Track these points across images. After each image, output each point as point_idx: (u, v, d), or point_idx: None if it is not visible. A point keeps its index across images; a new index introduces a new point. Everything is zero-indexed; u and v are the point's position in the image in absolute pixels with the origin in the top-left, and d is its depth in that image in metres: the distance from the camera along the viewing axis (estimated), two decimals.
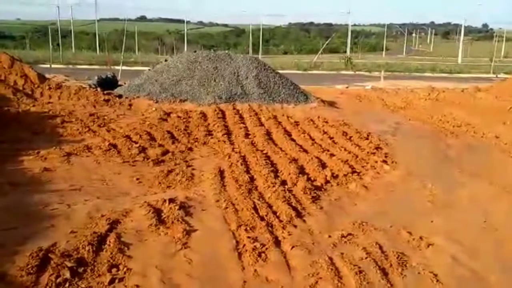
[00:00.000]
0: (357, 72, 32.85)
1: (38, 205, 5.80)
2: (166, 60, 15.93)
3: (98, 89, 13.53)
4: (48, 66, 28.18)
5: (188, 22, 61.91)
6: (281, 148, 8.97)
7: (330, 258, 4.72)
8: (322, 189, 6.86)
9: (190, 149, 8.98)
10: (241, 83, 13.40)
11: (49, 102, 12.24)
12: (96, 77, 15.22)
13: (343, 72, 33.18)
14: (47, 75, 15.00)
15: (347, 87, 21.79)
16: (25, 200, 5.92)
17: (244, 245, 4.89)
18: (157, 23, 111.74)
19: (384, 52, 65.47)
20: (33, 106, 11.79)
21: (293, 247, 4.90)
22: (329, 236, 5.27)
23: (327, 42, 46.86)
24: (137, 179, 7.14)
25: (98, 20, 57.48)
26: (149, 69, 15.83)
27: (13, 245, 4.67)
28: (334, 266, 4.58)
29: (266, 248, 4.83)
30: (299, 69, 32.84)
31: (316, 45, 71.91)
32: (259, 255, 4.69)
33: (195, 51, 16.67)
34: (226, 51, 15.47)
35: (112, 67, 25.01)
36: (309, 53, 66.47)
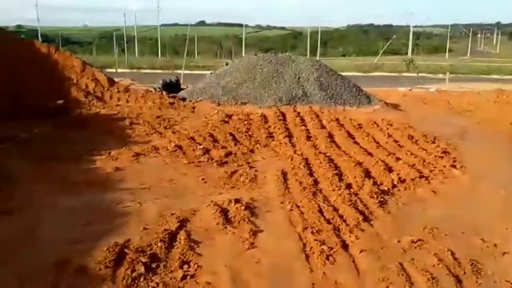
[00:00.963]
0: (420, 74, 31.82)
1: (112, 203, 6.08)
2: (227, 64, 16.19)
3: (164, 92, 13.98)
4: (114, 70, 29.40)
5: (246, 26, 62.48)
6: (344, 151, 8.87)
7: (401, 264, 4.61)
8: (389, 194, 6.72)
9: (252, 151, 9.07)
10: (302, 85, 13.39)
11: (117, 105, 12.80)
12: (161, 81, 15.73)
13: (405, 74, 32.25)
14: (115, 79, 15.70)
15: (410, 90, 21.19)
16: (100, 198, 6.22)
17: (312, 247, 4.88)
18: (216, 28, 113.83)
19: (447, 54, 63.04)
20: (103, 108, 12.38)
21: (361, 251, 4.83)
22: (398, 241, 5.14)
23: (387, 44, 45.85)
24: (202, 179, 7.30)
25: (159, 26, 59.34)
26: (210, 73, 16.16)
27: (91, 240, 4.91)
28: (405, 271, 4.47)
29: (334, 251, 4.80)
30: (359, 71, 32.27)
31: (375, 47, 70.38)
32: (327, 257, 4.66)
33: (255, 54, 16.85)
34: (287, 54, 15.50)
35: (174, 71, 25.73)
36: (368, 55, 65.14)
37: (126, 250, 4.63)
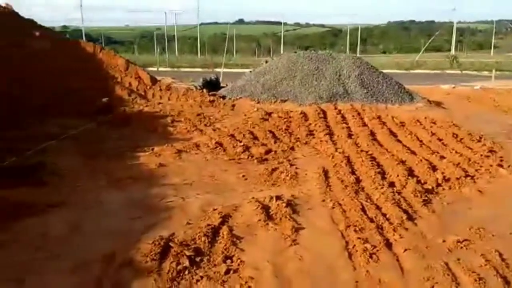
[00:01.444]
0: (464, 72, 30.93)
1: (156, 197, 6.22)
2: (266, 62, 16.21)
3: (204, 90, 14.17)
4: (155, 69, 30.01)
5: (284, 23, 62.35)
6: (387, 149, 8.73)
7: (446, 263, 4.51)
8: (434, 193, 6.57)
9: (292, 148, 9.07)
10: (343, 82, 13.25)
11: (159, 103, 13.06)
12: (201, 79, 15.94)
13: (449, 71, 31.46)
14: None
15: (454, 87, 20.61)
16: (144, 193, 6.38)
17: (355, 245, 4.84)
18: (254, 26, 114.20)
19: (492, 50, 60.90)
20: (146, 106, 12.66)
21: (405, 250, 4.75)
22: (444, 241, 5.03)
23: (430, 41, 44.80)
24: (243, 176, 7.35)
25: (199, 25, 60.10)
26: (250, 71, 16.24)
27: (137, 233, 5.05)
28: (450, 271, 4.37)
29: (377, 250, 4.74)
30: (400, 68, 31.66)
31: (416, 43, 68.84)
32: (371, 256, 4.61)
33: (295, 52, 16.79)
34: (328, 51, 15.38)
35: (214, 69, 26.02)
36: (409, 52, 63.85)
37: (171, 244, 4.73)
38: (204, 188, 6.74)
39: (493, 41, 65.54)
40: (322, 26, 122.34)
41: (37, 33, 12.79)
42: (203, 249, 4.73)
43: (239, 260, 4.53)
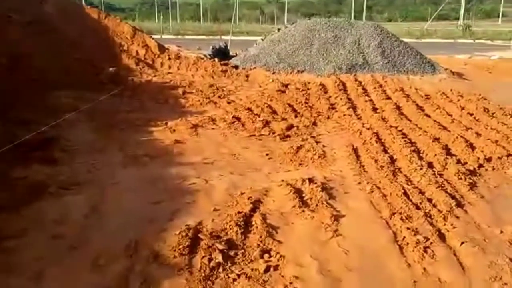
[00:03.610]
0: (476, 41, 29.97)
1: (177, 178, 5.70)
2: (279, 29, 15.43)
3: (216, 59, 13.46)
4: (159, 36, 29.04)
5: None
6: (416, 125, 8.17)
7: (511, 260, 4.02)
8: (477, 174, 6.04)
9: (315, 123, 8.51)
10: (362, 52, 12.53)
11: (169, 72, 12.41)
12: (210, 47, 15.21)
13: (461, 40, 30.48)
14: None
15: (470, 57, 19.89)
16: (164, 173, 5.86)
17: (404, 237, 4.34)
18: None
19: (500, 19, 59.41)
20: (154, 76, 12.01)
21: (462, 243, 4.25)
22: (501, 232, 4.53)
23: (440, 8, 43.34)
24: (267, 154, 6.82)
25: None
26: (261, 39, 15.46)
27: (162, 220, 4.56)
28: None
29: (431, 243, 4.24)
30: (411, 37, 30.63)
31: (423, 12, 67.16)
32: (425, 250, 4.11)
33: (309, 19, 16.01)
34: (345, 19, 14.59)
35: (221, 37, 25.18)
36: (415, 20, 62.36)
37: (200, 235, 4.23)
38: (226, 168, 6.21)
39: (501, 9, 63.94)
40: None
41: None
42: (236, 241, 4.23)
43: (278, 255, 4.04)
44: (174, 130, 7.76)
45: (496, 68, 15.98)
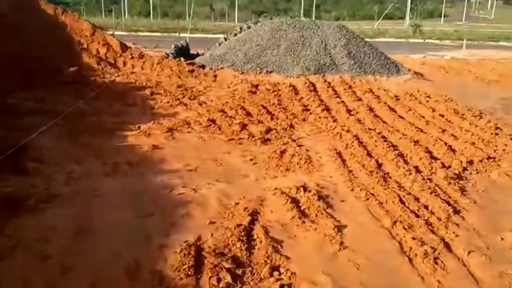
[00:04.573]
0: (426, 41, 30.98)
1: (163, 188, 5.38)
2: (241, 28, 15.21)
3: (181, 59, 13.02)
4: (111, 33, 27.98)
5: None
6: (393, 127, 8.21)
7: None
8: (463, 178, 6.10)
9: (292, 126, 8.37)
10: (329, 53, 12.51)
11: (132, 72, 11.89)
12: (173, 46, 14.73)
13: (412, 40, 31.41)
14: None
15: (424, 57, 20.46)
16: (148, 183, 5.51)
17: (411, 247, 4.26)
18: None
19: (442, 19, 62.04)
20: (118, 76, 11.46)
21: (469, 252, 4.22)
22: (502, 239, 4.55)
23: (389, 8, 44.59)
24: (251, 159, 6.60)
25: None
26: (224, 38, 15.19)
27: (158, 236, 4.25)
28: None
29: (439, 253, 4.18)
30: (365, 36, 31.14)
31: (369, 11, 69.07)
32: (435, 261, 4.04)
33: (271, 18, 15.89)
34: (311, 19, 14.54)
35: (179, 34, 24.62)
36: (363, 19, 63.99)
37: (204, 253, 3.96)
38: (211, 175, 5.93)
39: (443, 9, 66.77)
40: None
41: None
42: (241, 258, 3.99)
43: (289, 272, 3.83)
44: (149, 134, 7.38)
45: (450, 68, 16.48)
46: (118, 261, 3.82)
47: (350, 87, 11.13)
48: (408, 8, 54.59)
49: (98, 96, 9.38)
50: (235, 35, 14.62)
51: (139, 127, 7.64)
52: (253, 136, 7.60)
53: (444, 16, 65.15)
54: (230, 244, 4.16)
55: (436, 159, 6.66)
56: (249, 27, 14.70)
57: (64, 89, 9.37)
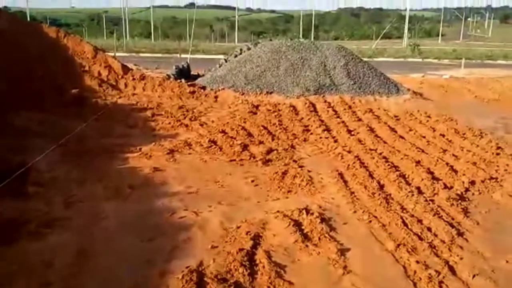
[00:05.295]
0: (425, 60, 31.17)
1: (164, 211, 5.37)
2: (241, 50, 15.33)
3: (182, 80, 13.09)
4: (112, 54, 28.21)
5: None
6: (394, 148, 8.20)
7: None
8: (466, 199, 6.07)
9: (293, 146, 8.37)
10: (329, 73, 12.59)
11: (134, 94, 11.94)
12: (174, 67, 14.83)
13: (410, 59, 31.58)
14: None
15: (423, 76, 20.57)
16: (149, 206, 5.50)
17: (415, 271, 4.22)
18: (206, 10, 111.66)
19: (440, 38, 62.56)
20: (119, 97, 11.51)
21: (474, 275, 4.18)
22: (507, 262, 4.51)
23: (386, 28, 45.03)
24: (252, 181, 6.59)
25: (149, 7, 57.87)
26: (225, 59, 15.29)
27: (159, 261, 4.22)
28: None
29: (443, 277, 4.14)
30: (364, 56, 31.39)
31: (367, 31, 69.67)
32: (440, 286, 4.00)
33: (270, 40, 16.04)
34: (311, 40, 14.67)
35: (181, 56, 24.80)
36: (361, 39, 64.51)
37: (206, 279, 3.92)
38: (213, 197, 5.92)
39: (441, 28, 67.41)
40: (273, 11, 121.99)
41: None
42: (244, 283, 3.96)
43: None
44: (150, 156, 7.39)
45: (450, 87, 16.55)
46: (119, 287, 3.78)
47: (350, 107, 11.18)
48: (406, 28, 55.01)
49: (99, 118, 9.40)
50: (236, 56, 14.74)
51: (140, 149, 7.64)
52: (254, 157, 7.60)
53: (442, 35, 65.81)
54: (233, 270, 4.12)
55: (438, 179, 6.64)
56: (249, 49, 14.83)
57: (66, 111, 9.37)
